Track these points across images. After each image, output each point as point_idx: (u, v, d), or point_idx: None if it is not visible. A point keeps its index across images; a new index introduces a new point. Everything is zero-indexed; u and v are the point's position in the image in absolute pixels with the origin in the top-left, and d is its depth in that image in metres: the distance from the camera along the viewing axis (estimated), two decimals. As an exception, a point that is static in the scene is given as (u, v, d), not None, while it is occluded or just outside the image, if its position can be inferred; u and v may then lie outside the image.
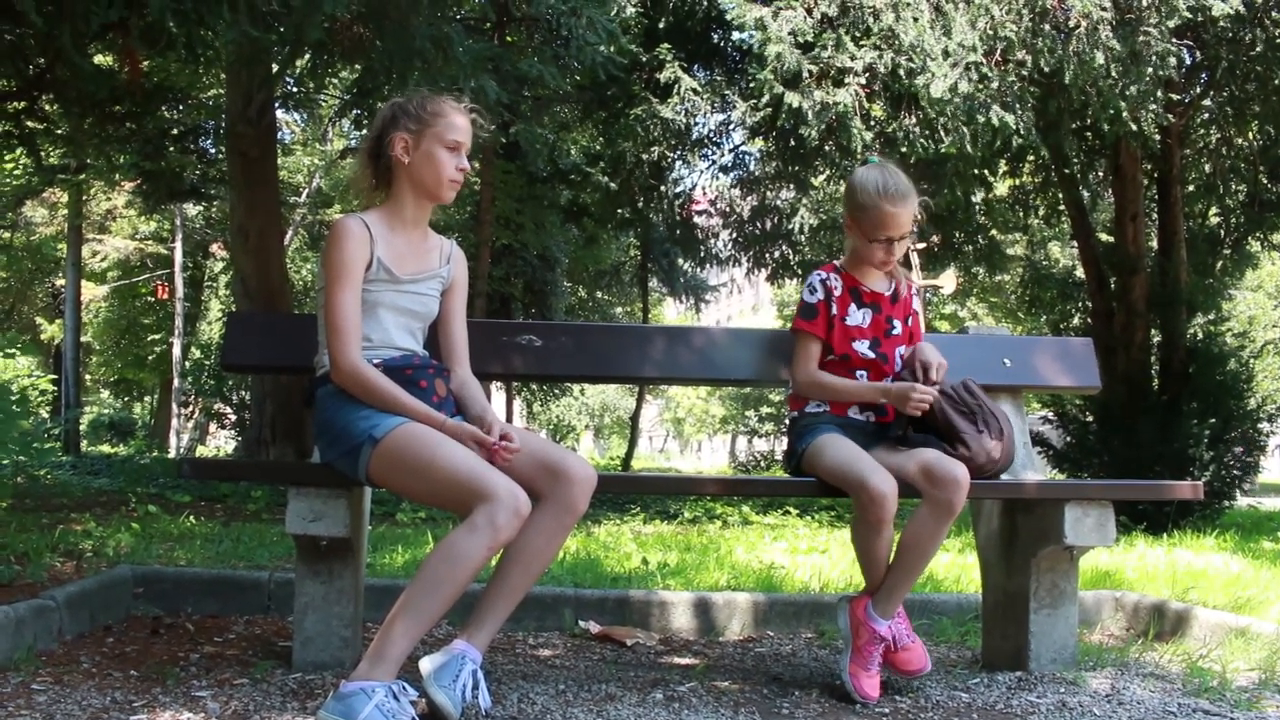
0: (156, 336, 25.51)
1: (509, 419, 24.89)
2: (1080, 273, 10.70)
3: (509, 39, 10.97)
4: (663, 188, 13.44)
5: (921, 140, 8.07)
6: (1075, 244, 11.11)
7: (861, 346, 3.06)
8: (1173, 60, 7.36)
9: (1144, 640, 3.76)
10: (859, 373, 3.06)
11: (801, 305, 3.11)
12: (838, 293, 3.07)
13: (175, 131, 11.59)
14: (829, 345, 3.06)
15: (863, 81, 7.94)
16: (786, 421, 3.19)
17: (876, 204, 2.99)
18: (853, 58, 7.85)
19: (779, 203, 14.17)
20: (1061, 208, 11.47)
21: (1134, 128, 7.52)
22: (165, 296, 24.16)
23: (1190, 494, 3.13)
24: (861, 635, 2.89)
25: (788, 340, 3.26)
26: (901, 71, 7.67)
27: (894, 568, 2.89)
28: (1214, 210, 11.30)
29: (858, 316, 3.08)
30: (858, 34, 7.95)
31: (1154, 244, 9.85)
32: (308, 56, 7.10)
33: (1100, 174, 11.56)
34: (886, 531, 2.83)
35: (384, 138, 2.78)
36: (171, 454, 18.59)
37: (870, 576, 2.93)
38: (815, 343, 3.06)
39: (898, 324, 3.14)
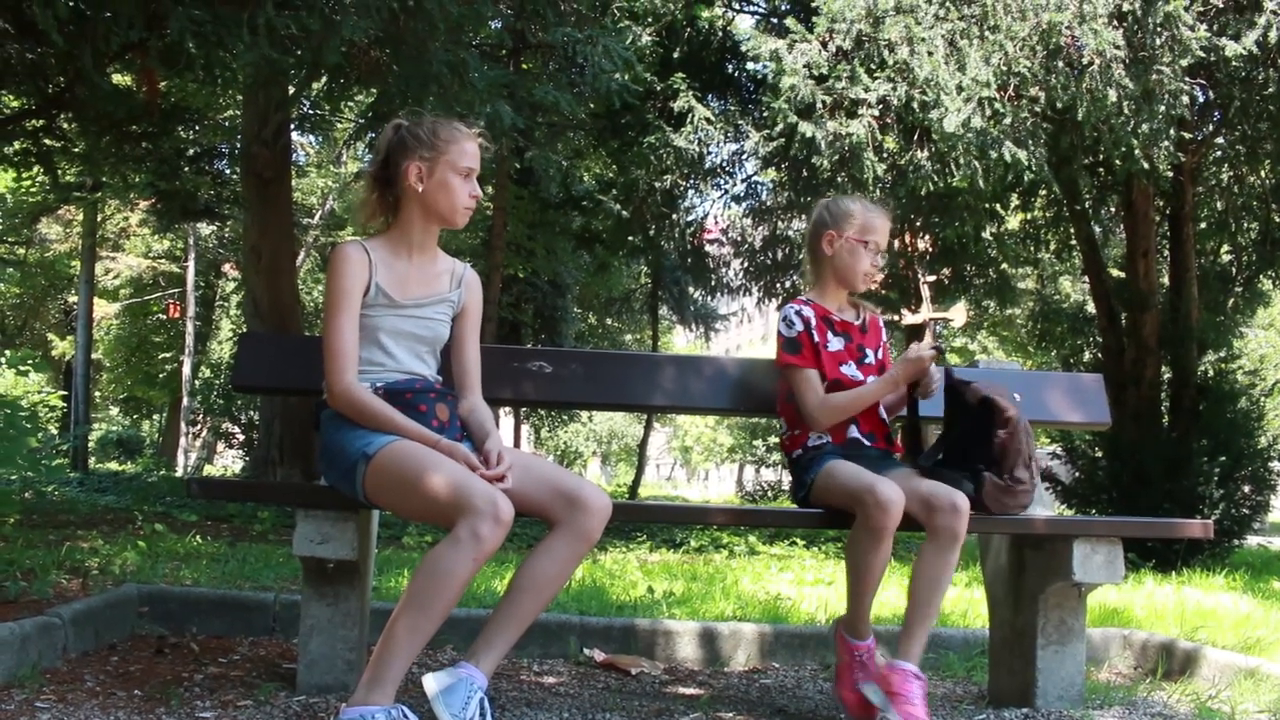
0: (167, 355, 25.60)
1: (517, 445, 24.87)
2: (1091, 308, 10.68)
3: (525, 66, 11.04)
4: (674, 216, 13.48)
5: (933, 174, 8.09)
6: (1086, 279, 11.11)
7: (849, 370, 3.10)
8: (1185, 99, 7.37)
9: (1152, 679, 3.73)
10: None
11: (784, 341, 3.11)
12: (814, 322, 3.11)
13: (191, 152, 11.68)
14: (820, 373, 3.08)
15: (876, 113, 7.97)
16: (787, 461, 3.18)
17: (865, 209, 3.14)
18: (866, 89, 7.89)
19: (790, 233, 14.20)
20: (1073, 243, 11.47)
21: (1146, 165, 7.53)
22: (176, 315, 24.26)
23: (1200, 532, 3.12)
24: (842, 656, 2.96)
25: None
26: (915, 104, 7.70)
27: (909, 608, 2.85)
28: (1226, 248, 11.28)
29: (836, 343, 3.13)
30: (872, 66, 7.99)
31: (1165, 281, 9.84)
32: (324, 79, 7.15)
33: (1112, 210, 11.57)
34: (885, 545, 2.77)
35: (392, 163, 2.78)
36: (179, 472, 18.62)
37: (856, 597, 2.89)
38: (812, 372, 3.07)
39: (869, 352, 3.19)
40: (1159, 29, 7.17)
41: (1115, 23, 7.26)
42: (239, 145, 11.35)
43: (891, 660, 2.83)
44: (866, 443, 3.07)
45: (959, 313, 3.28)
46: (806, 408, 3.05)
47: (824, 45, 8.20)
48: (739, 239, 14.94)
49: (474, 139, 2.80)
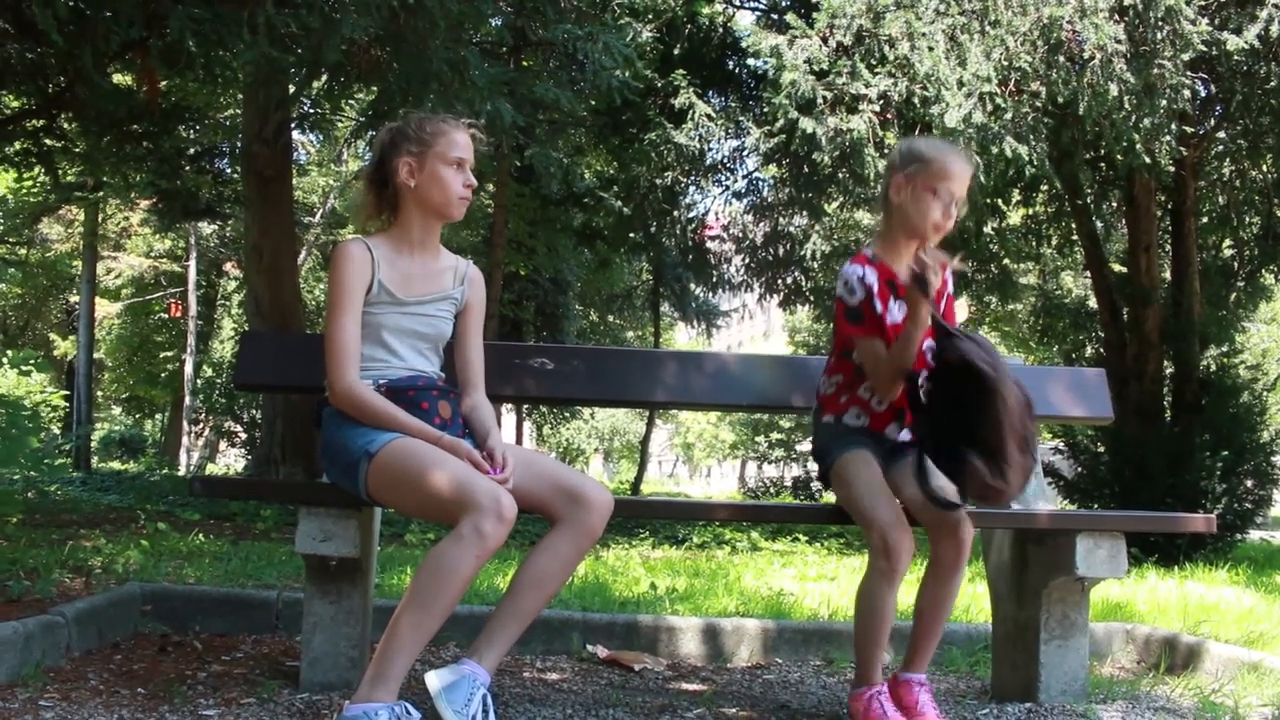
0: (169, 354, 25.61)
1: (519, 442, 24.87)
2: (1093, 303, 10.69)
3: (525, 63, 11.04)
4: (676, 212, 13.49)
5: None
6: (1088, 274, 11.10)
7: None
8: (1187, 93, 7.37)
9: (1155, 674, 3.73)
10: None
11: (845, 309, 2.89)
12: (876, 288, 2.88)
13: (192, 151, 11.69)
14: (885, 341, 2.88)
15: (877, 109, 7.97)
16: (815, 421, 3.03)
17: (940, 153, 2.83)
18: (867, 85, 7.89)
19: (792, 229, 14.20)
20: (1074, 238, 11.47)
21: (1147, 160, 7.52)
22: (178, 314, 24.26)
23: (1204, 527, 3.11)
24: (858, 711, 2.74)
25: (801, 363, 3.25)
26: (916, 100, 7.69)
27: (916, 625, 2.84)
28: (1228, 242, 11.29)
29: (895, 312, 2.89)
30: (873, 61, 7.99)
31: (1167, 275, 9.84)
32: (325, 78, 7.15)
33: (1113, 205, 11.55)
34: (896, 585, 2.71)
35: (386, 163, 2.79)
36: (181, 471, 18.64)
37: (867, 644, 2.76)
38: (877, 341, 2.86)
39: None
40: (1160, 23, 7.16)
41: (1116, 17, 7.25)
42: (240, 144, 11.35)
43: (899, 673, 2.84)
44: (894, 437, 2.95)
45: (960, 308, 3.24)
46: (872, 374, 2.88)
47: (824, 41, 8.19)
48: (740, 235, 14.95)
49: (462, 129, 2.80)
